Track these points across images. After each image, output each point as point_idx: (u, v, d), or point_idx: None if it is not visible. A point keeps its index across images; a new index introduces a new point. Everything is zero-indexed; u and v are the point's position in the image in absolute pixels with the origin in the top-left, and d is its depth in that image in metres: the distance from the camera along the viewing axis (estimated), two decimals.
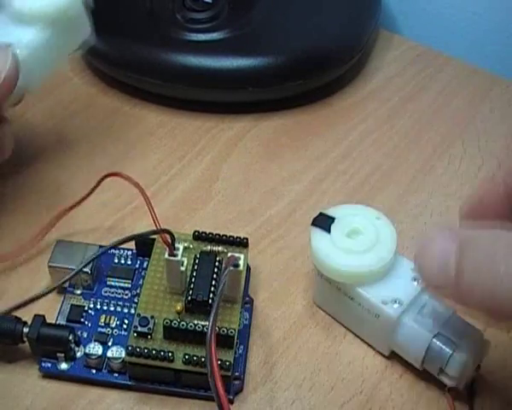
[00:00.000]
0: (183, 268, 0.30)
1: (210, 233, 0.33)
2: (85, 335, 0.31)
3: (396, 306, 0.30)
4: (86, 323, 0.32)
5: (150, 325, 0.29)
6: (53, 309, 0.32)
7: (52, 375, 0.30)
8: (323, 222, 0.32)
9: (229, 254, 0.30)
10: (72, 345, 0.30)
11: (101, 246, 0.34)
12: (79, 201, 0.35)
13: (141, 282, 0.33)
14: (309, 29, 0.45)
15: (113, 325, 0.32)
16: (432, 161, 0.43)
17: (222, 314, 0.30)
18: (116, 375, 0.30)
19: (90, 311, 0.32)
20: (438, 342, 0.29)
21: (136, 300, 0.33)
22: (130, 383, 0.30)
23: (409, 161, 0.43)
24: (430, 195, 0.40)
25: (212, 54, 0.44)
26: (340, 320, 0.33)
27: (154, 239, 0.33)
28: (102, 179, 0.34)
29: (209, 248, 0.32)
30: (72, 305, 0.32)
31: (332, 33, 0.46)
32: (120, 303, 0.33)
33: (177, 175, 0.41)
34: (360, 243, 0.31)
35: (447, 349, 0.29)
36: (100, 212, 0.38)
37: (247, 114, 0.45)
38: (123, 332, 0.31)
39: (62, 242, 0.34)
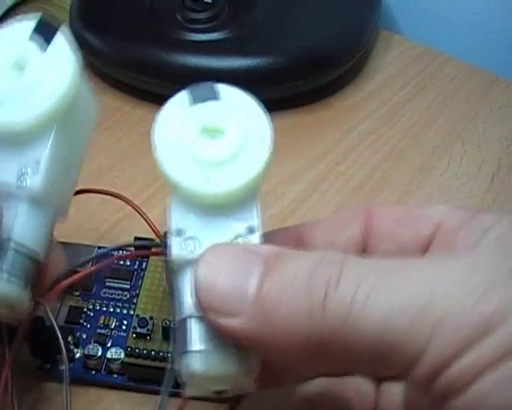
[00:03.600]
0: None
1: None
2: (84, 336, 0.31)
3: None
4: (85, 324, 0.32)
5: (149, 326, 0.29)
6: (52, 310, 0.32)
7: (51, 376, 0.30)
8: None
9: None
10: (71, 346, 0.30)
11: (99, 247, 0.34)
12: None
13: (140, 283, 0.33)
14: (309, 29, 0.45)
15: (112, 326, 0.32)
16: (432, 161, 0.42)
17: None
18: (115, 376, 0.30)
19: (88, 312, 0.32)
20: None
21: (135, 301, 0.33)
22: (129, 384, 0.30)
23: (409, 161, 0.42)
24: (430, 195, 0.40)
25: (212, 54, 0.44)
26: None
27: (152, 240, 0.33)
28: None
29: None
30: (71, 306, 0.32)
31: (332, 33, 0.46)
32: (119, 304, 0.33)
33: None
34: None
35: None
36: (98, 213, 0.38)
37: None
38: (122, 333, 0.31)
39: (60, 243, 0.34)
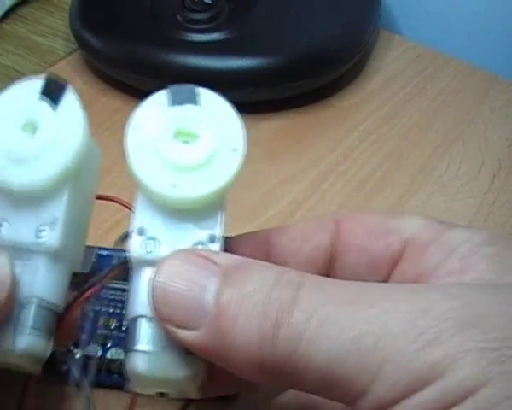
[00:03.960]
0: None
1: None
2: (84, 337, 0.31)
3: None
4: (85, 325, 0.32)
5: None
6: None
7: (51, 377, 0.30)
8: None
9: None
10: (71, 347, 0.30)
11: (99, 248, 0.34)
12: None
13: None
14: (309, 29, 0.45)
15: (113, 327, 0.32)
16: (432, 162, 0.42)
17: None
18: (115, 376, 0.30)
19: (88, 313, 0.32)
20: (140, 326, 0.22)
21: None
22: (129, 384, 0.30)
23: (409, 161, 0.42)
24: (430, 195, 0.40)
25: (211, 54, 0.44)
26: None
27: None
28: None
29: None
30: None
31: (332, 33, 0.46)
32: (119, 305, 0.32)
33: None
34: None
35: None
36: (99, 213, 0.38)
37: (247, 115, 0.44)
38: (122, 334, 0.31)
39: None
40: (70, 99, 0.24)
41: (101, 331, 0.31)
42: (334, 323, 0.18)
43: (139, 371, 0.21)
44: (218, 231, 0.22)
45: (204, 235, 0.22)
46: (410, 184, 0.41)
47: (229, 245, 0.23)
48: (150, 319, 0.21)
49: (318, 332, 0.18)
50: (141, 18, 0.47)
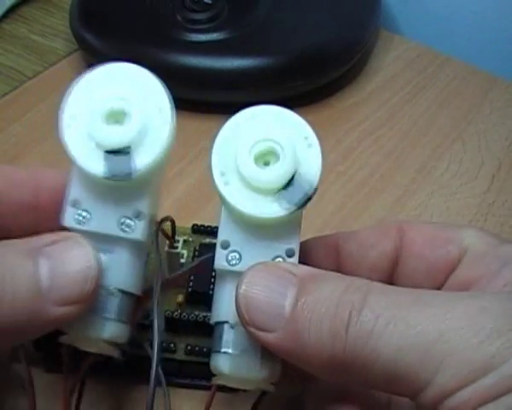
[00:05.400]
0: (183, 260, 0.31)
1: (208, 226, 0.33)
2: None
3: None
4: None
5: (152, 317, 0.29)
6: None
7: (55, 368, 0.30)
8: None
9: None
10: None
11: None
12: None
13: None
14: (309, 29, 0.45)
15: None
16: (432, 162, 0.43)
17: None
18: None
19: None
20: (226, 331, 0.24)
21: None
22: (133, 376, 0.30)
23: (409, 161, 0.43)
24: (430, 195, 0.40)
25: (211, 54, 0.44)
26: None
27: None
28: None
29: (208, 240, 0.32)
30: None
31: (332, 33, 0.46)
32: None
33: (177, 175, 0.41)
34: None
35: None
36: None
37: None
38: None
39: None
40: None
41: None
42: (400, 320, 0.20)
43: (222, 370, 0.24)
44: (296, 245, 0.24)
45: (283, 249, 0.24)
46: (410, 184, 0.41)
47: (302, 248, 0.24)
48: (233, 325, 0.24)
49: (386, 329, 0.20)
50: (141, 18, 0.47)
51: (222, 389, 0.25)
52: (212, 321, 0.25)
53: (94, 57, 0.46)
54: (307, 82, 0.45)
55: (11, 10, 0.53)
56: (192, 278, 0.30)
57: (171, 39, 0.45)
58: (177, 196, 0.39)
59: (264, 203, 0.23)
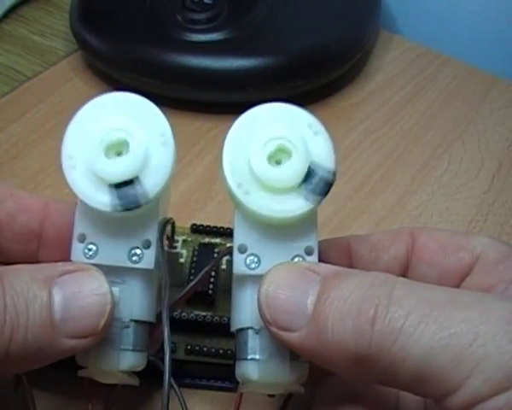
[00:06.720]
0: (182, 260, 0.31)
1: (207, 226, 0.33)
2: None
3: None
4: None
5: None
6: None
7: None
8: None
9: (228, 245, 0.30)
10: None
11: None
12: None
13: None
14: (309, 29, 0.45)
15: None
16: (432, 162, 0.42)
17: (223, 304, 0.30)
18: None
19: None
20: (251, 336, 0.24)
21: None
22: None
23: (409, 161, 0.42)
24: (430, 195, 0.40)
25: (211, 54, 0.44)
26: None
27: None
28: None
29: (207, 240, 0.32)
30: None
31: (332, 33, 0.46)
32: None
33: (177, 175, 0.40)
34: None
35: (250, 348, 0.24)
36: None
37: None
38: None
39: None
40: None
41: None
42: (432, 320, 0.20)
43: (251, 377, 0.23)
44: (314, 243, 0.23)
45: (301, 248, 0.23)
46: (410, 184, 0.41)
47: None
48: (257, 331, 0.23)
49: (417, 328, 0.20)
50: (141, 18, 0.47)
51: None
52: (232, 329, 0.24)
53: (94, 57, 0.46)
54: (307, 82, 0.45)
55: (11, 10, 0.53)
56: (192, 278, 0.30)
57: (171, 39, 0.45)
58: (177, 196, 0.39)
59: (290, 202, 0.23)
